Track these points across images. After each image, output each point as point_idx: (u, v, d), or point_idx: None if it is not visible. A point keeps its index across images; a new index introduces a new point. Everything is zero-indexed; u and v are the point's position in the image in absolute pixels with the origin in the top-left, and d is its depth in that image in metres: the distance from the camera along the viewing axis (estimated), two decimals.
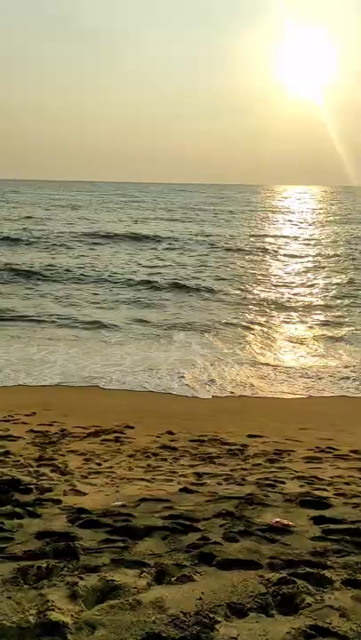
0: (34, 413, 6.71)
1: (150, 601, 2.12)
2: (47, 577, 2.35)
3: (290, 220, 45.21)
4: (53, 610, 2.02)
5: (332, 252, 25.22)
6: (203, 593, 2.22)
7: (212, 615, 2.05)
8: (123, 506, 3.60)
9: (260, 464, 5.02)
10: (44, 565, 2.43)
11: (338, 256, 23.90)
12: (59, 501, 3.64)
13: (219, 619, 2.03)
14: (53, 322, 12.45)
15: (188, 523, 3.21)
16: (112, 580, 2.28)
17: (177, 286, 17.01)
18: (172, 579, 2.36)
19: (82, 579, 2.29)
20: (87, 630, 1.93)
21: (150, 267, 20.59)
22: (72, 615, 2.03)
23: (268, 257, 24.31)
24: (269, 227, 38.16)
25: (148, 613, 2.04)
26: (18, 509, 3.38)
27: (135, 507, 3.57)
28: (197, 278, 18.43)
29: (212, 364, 9.69)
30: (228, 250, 25.56)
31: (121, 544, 2.84)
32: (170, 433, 6.14)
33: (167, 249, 25.45)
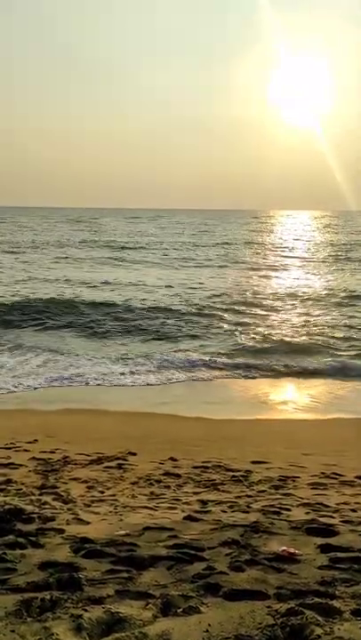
0: (36, 440, 6.67)
1: (156, 634, 2.08)
2: (51, 609, 2.30)
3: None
4: None
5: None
6: (210, 625, 2.18)
7: None
8: (127, 535, 3.54)
9: (264, 490, 4.96)
10: (48, 597, 2.39)
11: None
12: (62, 531, 3.58)
13: None
14: None
15: (193, 552, 3.16)
16: (117, 612, 2.23)
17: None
18: (179, 610, 2.32)
19: (86, 611, 2.25)
20: None
21: None
22: None
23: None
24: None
25: None
26: (20, 539, 3.33)
27: (139, 536, 3.52)
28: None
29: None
30: None
31: (125, 574, 2.80)
32: (172, 459, 6.09)
33: None
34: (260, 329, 15.16)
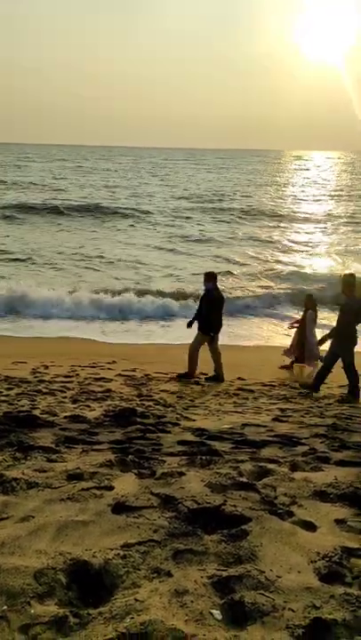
0: (114, 362, 7.43)
1: (301, 479, 2.79)
2: (209, 464, 3.03)
3: None
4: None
5: None
6: (335, 477, 2.88)
7: None
8: (231, 428, 4.28)
9: (331, 404, 5.67)
10: (204, 458, 3.11)
11: None
12: (177, 424, 4.33)
13: None
14: None
15: (294, 439, 3.88)
16: (264, 466, 2.95)
17: None
18: (306, 468, 3.03)
19: (239, 465, 2.97)
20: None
21: None
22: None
23: None
24: None
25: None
26: (150, 427, 4.09)
27: (242, 429, 4.25)
28: None
29: None
30: None
31: (249, 450, 3.52)
32: (241, 379, 6.81)
33: None
34: None
